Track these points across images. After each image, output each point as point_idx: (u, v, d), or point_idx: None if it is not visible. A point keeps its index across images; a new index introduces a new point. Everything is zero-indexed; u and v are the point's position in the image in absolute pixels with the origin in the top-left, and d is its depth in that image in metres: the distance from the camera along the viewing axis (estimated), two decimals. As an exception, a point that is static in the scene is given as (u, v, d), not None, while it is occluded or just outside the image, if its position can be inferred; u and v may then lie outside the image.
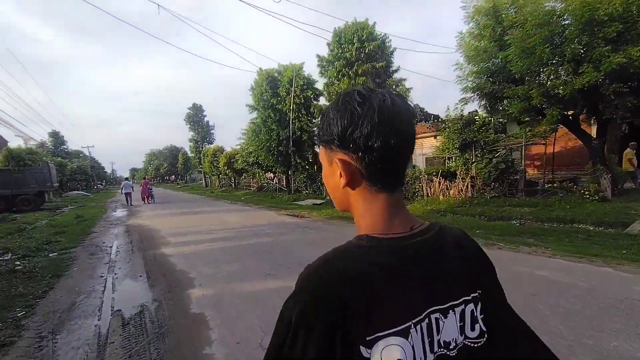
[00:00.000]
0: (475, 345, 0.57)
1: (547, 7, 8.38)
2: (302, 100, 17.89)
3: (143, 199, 19.68)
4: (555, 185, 10.28)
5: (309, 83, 18.15)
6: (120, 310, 3.58)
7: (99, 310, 3.59)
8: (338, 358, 0.46)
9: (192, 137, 40.98)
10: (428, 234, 0.58)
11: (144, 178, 22.28)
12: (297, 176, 20.27)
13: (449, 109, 12.33)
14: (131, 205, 18.18)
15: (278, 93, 18.20)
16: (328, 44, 13.96)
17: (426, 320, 0.52)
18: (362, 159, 0.55)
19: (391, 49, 13.37)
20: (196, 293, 3.97)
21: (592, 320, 2.80)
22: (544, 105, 9.20)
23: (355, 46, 12.69)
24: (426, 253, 0.56)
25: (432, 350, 0.52)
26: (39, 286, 4.34)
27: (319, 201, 15.92)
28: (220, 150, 33.56)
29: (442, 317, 0.54)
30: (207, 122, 41.65)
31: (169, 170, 71.17)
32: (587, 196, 8.77)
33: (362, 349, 0.47)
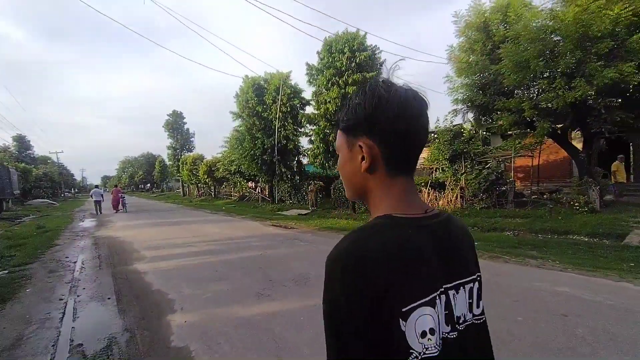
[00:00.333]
0: (479, 322, 0.63)
1: (538, 24, 8.52)
2: (289, 109, 17.51)
3: (114, 208, 18.46)
4: (545, 196, 10.32)
5: (296, 92, 17.84)
6: (82, 344, 2.90)
7: (53, 345, 2.90)
8: (381, 336, 0.48)
9: (170, 144, 39.46)
10: (440, 217, 0.63)
11: (115, 186, 20.96)
12: (282, 186, 19.67)
13: (438, 120, 12.32)
14: (101, 214, 17.11)
15: (264, 101, 17.74)
16: (318, 53, 13.73)
17: (444, 294, 0.56)
18: (386, 143, 0.58)
19: (381, 60, 13.31)
20: (177, 320, 3.34)
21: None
22: (534, 118, 9.28)
23: (346, 55, 12.51)
24: (442, 233, 0.60)
25: (447, 323, 0.55)
26: (-22, 313, 3.56)
27: (304, 211, 15.40)
28: (200, 158, 32.43)
29: (456, 293, 0.58)
30: (187, 129, 40.37)
31: (144, 179, 68.29)
32: (577, 208, 8.80)
33: (400, 322, 0.49)
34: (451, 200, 11.87)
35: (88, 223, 13.45)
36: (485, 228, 8.86)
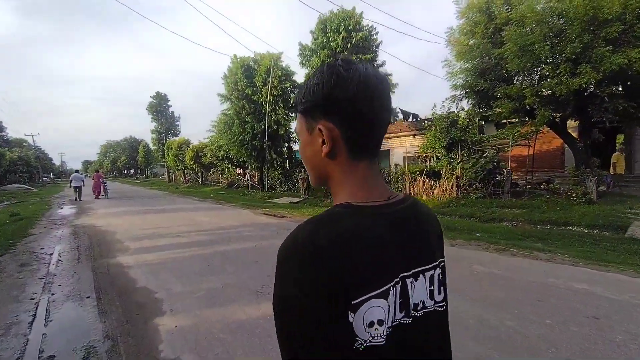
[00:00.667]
0: (441, 309, 0.62)
1: (543, 5, 8.17)
2: (280, 92, 16.82)
3: (95, 194, 17.65)
4: (542, 186, 10.24)
5: (288, 74, 17.12)
6: (54, 357, 2.49)
7: (18, 359, 2.47)
8: (332, 329, 0.47)
9: (154, 128, 37.93)
10: (404, 204, 0.61)
11: (97, 171, 20.05)
12: (272, 173, 19.16)
13: (435, 106, 11.99)
14: (80, 200, 16.33)
15: (254, 83, 16.95)
16: (312, 32, 13.08)
17: (400, 282, 0.54)
18: (347, 124, 0.56)
19: (378, 42, 12.77)
20: (167, 324, 2.95)
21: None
22: (534, 106, 9.06)
23: (341, 35, 11.94)
24: (403, 221, 0.58)
25: (400, 310, 0.54)
26: None
27: (295, 199, 15.06)
28: (187, 143, 31.33)
29: (414, 280, 0.57)
30: (172, 112, 38.84)
31: (127, 164, 66.13)
32: (574, 198, 8.74)
33: (349, 314, 0.47)
34: (446, 189, 11.71)
35: (67, 210, 12.70)
36: (483, 218, 8.71)
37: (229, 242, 6.18)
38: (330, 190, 0.62)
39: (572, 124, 11.26)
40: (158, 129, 37.76)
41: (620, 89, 7.86)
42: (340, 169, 0.59)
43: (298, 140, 0.66)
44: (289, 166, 19.11)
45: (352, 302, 0.47)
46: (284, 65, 17.17)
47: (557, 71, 7.85)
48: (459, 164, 11.38)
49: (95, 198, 17.44)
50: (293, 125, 17.88)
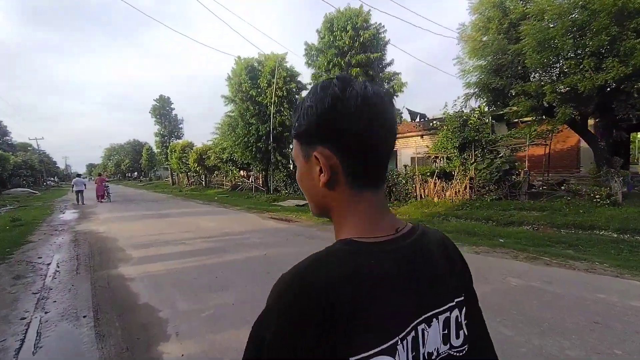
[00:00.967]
0: (459, 354, 0.53)
1: (564, -2, 7.75)
2: (285, 93, 16.50)
3: (98, 198, 17.52)
4: (562, 187, 9.79)
5: (293, 75, 16.80)
6: (40, 396, 2.13)
7: (-1, 400, 2.12)
8: None
9: (158, 131, 37.82)
10: (413, 236, 0.53)
11: (99, 174, 19.86)
12: (277, 175, 18.82)
13: (446, 105, 11.60)
14: (83, 204, 16.17)
15: (258, 84, 16.65)
16: (318, 31, 12.74)
17: (412, 333, 0.47)
18: (345, 150, 0.49)
19: (386, 40, 12.40)
20: (172, 351, 2.59)
21: None
22: (554, 104, 8.63)
23: (349, 34, 11.58)
24: (413, 257, 0.51)
25: None
26: None
27: (301, 202, 14.68)
28: (190, 145, 31.13)
29: (427, 327, 0.50)
30: (175, 115, 38.73)
31: (131, 167, 66.19)
32: (597, 200, 8.29)
33: None
34: (459, 191, 11.28)
35: (69, 215, 12.42)
36: (501, 222, 8.29)
37: (237, 250, 5.82)
38: (333, 223, 0.55)
39: (589, 122, 10.80)
40: (161, 132, 37.64)
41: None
42: (341, 200, 0.52)
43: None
44: (294, 168, 18.76)
45: (350, 359, 0.41)
46: (288, 66, 16.87)
47: (580, 66, 7.42)
48: (473, 165, 10.96)
49: (99, 201, 17.31)
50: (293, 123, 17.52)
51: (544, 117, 9.67)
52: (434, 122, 18.38)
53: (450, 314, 0.53)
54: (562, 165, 14.45)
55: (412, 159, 18.66)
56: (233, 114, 18.27)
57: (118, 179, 73.46)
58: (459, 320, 0.54)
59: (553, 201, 9.38)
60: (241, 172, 25.57)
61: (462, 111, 10.98)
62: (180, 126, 38.75)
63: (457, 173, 11.41)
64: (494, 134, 11.89)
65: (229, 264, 4.92)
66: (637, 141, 13.51)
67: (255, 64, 17.23)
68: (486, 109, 12.99)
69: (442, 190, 11.77)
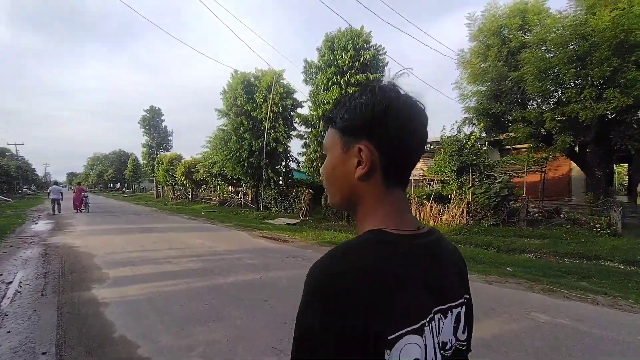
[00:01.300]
0: (463, 348, 0.58)
1: (564, 29, 7.92)
2: (280, 109, 16.33)
3: (75, 208, 16.69)
4: (562, 216, 9.69)
5: (289, 92, 16.72)
6: None
7: None
8: None
9: (146, 142, 36.87)
10: (433, 236, 0.58)
11: (79, 184, 19.00)
12: (268, 192, 18.30)
13: (444, 128, 11.59)
14: (59, 213, 15.39)
15: (254, 99, 16.45)
16: (318, 49, 12.74)
17: (433, 320, 0.51)
18: (388, 151, 0.54)
19: (385, 62, 12.49)
20: (152, 405, 2.06)
21: None
22: (553, 131, 8.65)
23: (349, 54, 11.58)
24: (434, 253, 0.56)
25: (434, 349, 0.51)
26: None
27: (293, 220, 14.19)
28: (178, 158, 30.35)
29: (443, 318, 0.54)
30: (165, 127, 37.98)
31: (114, 177, 64.10)
32: (598, 229, 8.18)
33: (385, 351, 0.44)
34: (455, 215, 11.08)
35: (42, 225, 11.50)
36: (502, 249, 8.04)
37: (229, 272, 5.27)
38: (357, 214, 0.58)
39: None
40: (149, 143, 36.72)
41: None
42: (372, 193, 0.55)
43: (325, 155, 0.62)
44: (285, 185, 18.32)
45: (388, 338, 0.44)
46: (285, 83, 16.81)
47: (581, 95, 7.48)
48: (470, 189, 10.83)
49: (76, 212, 16.41)
50: (293, 143, 17.31)
51: (541, 144, 9.69)
52: (428, 144, 18.56)
53: (461, 309, 0.58)
54: (553, 193, 14.55)
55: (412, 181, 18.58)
56: (226, 128, 17.90)
57: (99, 189, 70.84)
58: (466, 318, 0.59)
59: (552, 229, 9.24)
60: (230, 187, 24.90)
61: (460, 135, 10.95)
62: (169, 138, 37.98)
63: (454, 197, 11.25)
64: (489, 160, 11.88)
65: (221, 289, 4.38)
66: (616, 173, 13.77)
67: (252, 79, 17.10)
68: (481, 135, 13.10)
69: (439, 214, 11.56)
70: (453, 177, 11.20)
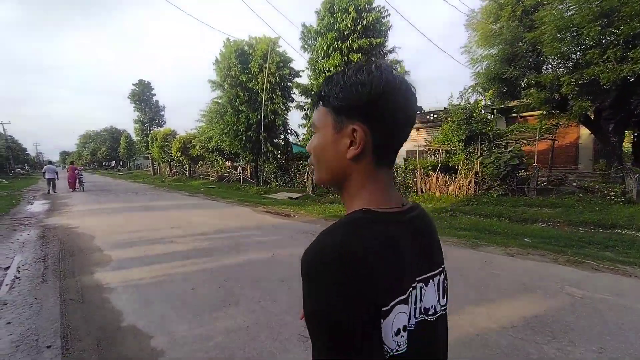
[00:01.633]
0: (444, 312, 0.63)
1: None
2: (277, 79, 15.54)
3: (70, 186, 16.48)
4: (575, 184, 9.47)
5: (285, 61, 15.82)
6: None
7: None
8: (368, 338, 0.46)
9: (137, 117, 35.65)
10: (416, 211, 0.62)
11: (71, 163, 18.57)
12: (267, 166, 17.90)
13: (452, 95, 11.07)
14: (54, 193, 15.17)
15: (249, 69, 15.59)
16: (317, 12, 11.84)
17: (415, 288, 0.55)
18: (381, 132, 0.55)
19: (388, 26, 11.66)
20: (175, 407, 1.83)
21: None
22: (569, 96, 8.21)
23: (351, 16, 10.75)
24: (417, 227, 0.59)
25: (414, 316, 0.55)
26: None
27: (295, 195, 13.98)
28: (173, 134, 29.53)
29: (424, 286, 0.58)
30: (157, 101, 36.57)
31: (108, 155, 63.06)
32: (612, 198, 8.00)
33: (381, 322, 0.47)
34: (463, 186, 10.85)
35: (38, 206, 11.15)
36: (513, 219, 7.87)
37: (238, 250, 5.03)
38: (344, 193, 0.60)
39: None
40: (141, 119, 35.56)
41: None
42: (362, 173, 0.57)
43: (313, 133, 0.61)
44: (284, 160, 17.88)
45: (383, 309, 0.47)
46: (281, 51, 15.88)
47: (605, 56, 6.98)
48: (478, 159, 10.52)
49: (71, 191, 16.17)
50: (291, 115, 16.70)
51: (554, 110, 9.27)
52: (431, 114, 17.97)
53: (440, 277, 0.63)
54: (558, 161, 14.32)
55: (408, 152, 18.24)
56: (221, 100, 17.12)
57: (94, 168, 69.90)
58: (445, 285, 0.64)
59: (563, 198, 9.07)
60: (227, 162, 24.43)
61: (469, 103, 10.46)
62: (161, 113, 36.75)
63: (461, 167, 10.96)
64: (497, 128, 11.48)
65: (232, 269, 4.14)
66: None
67: (246, 48, 16.12)
68: (489, 102, 12.59)
69: (445, 185, 11.32)
70: (461, 147, 10.84)
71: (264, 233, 6.29)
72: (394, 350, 0.48)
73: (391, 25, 11.94)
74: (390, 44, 12.25)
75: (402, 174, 12.39)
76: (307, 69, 13.49)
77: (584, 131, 13.22)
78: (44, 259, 4.77)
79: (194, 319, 2.84)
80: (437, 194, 11.38)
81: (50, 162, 17.52)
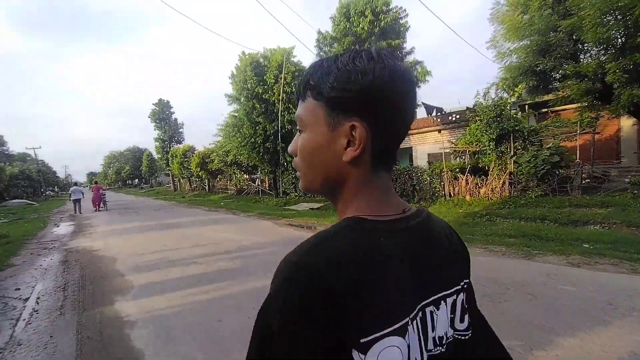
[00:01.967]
0: (464, 337, 0.53)
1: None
2: (293, 89, 15.35)
3: (94, 206, 16.96)
4: (627, 180, 8.60)
5: (301, 70, 15.66)
6: None
7: None
8: None
9: (158, 136, 36.68)
10: (419, 218, 0.52)
11: (95, 182, 19.08)
12: (286, 177, 17.67)
13: (478, 93, 10.45)
14: (80, 213, 15.53)
15: (265, 80, 15.52)
16: (332, 18, 11.60)
17: (420, 314, 0.46)
18: (382, 128, 0.47)
19: (407, 27, 11.25)
20: None
21: None
22: (615, 85, 7.46)
23: (368, 19, 10.44)
24: (420, 238, 0.50)
25: (426, 348, 0.46)
26: None
27: (315, 205, 13.60)
28: (192, 150, 30.03)
29: (436, 310, 0.48)
30: (176, 119, 37.56)
31: (131, 174, 65.11)
32: (674, 194, 7.13)
33: (355, 354, 0.39)
34: (496, 188, 10.12)
35: (63, 228, 11.26)
36: (560, 221, 7.13)
37: (264, 270, 4.64)
38: (337, 200, 0.52)
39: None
40: (162, 137, 36.52)
41: None
42: (359, 177, 0.49)
43: (299, 131, 0.52)
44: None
45: (361, 341, 0.39)
46: (295, 61, 15.77)
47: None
48: (512, 158, 9.79)
49: (95, 210, 16.69)
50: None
51: (594, 102, 8.49)
52: (454, 115, 17.25)
53: (457, 297, 0.52)
54: (599, 156, 13.26)
55: (430, 155, 17.52)
56: (238, 114, 17.15)
57: (119, 186, 72.38)
58: (464, 305, 0.53)
59: (612, 195, 8.21)
60: (244, 175, 24.43)
61: (500, 99, 9.82)
62: (180, 130, 37.64)
63: (493, 168, 10.25)
64: (529, 125, 10.72)
65: (262, 294, 3.73)
66: None
67: (261, 60, 16.11)
68: (515, 99, 11.84)
69: (476, 188, 10.62)
70: (491, 147, 10.15)
71: (291, 249, 5.86)
72: None
73: (409, 26, 11.53)
74: (408, 45, 11.82)
75: (428, 178, 11.77)
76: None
77: (626, 122, 12.21)
78: (64, 287, 4.54)
79: (224, 361, 2.44)
80: (468, 197, 10.67)
81: (75, 184, 18.10)
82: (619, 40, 7.30)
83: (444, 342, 0.48)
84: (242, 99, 16.35)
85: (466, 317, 0.53)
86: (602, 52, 7.78)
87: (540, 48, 8.39)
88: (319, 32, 12.00)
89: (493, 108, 9.75)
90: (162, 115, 36.40)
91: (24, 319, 3.51)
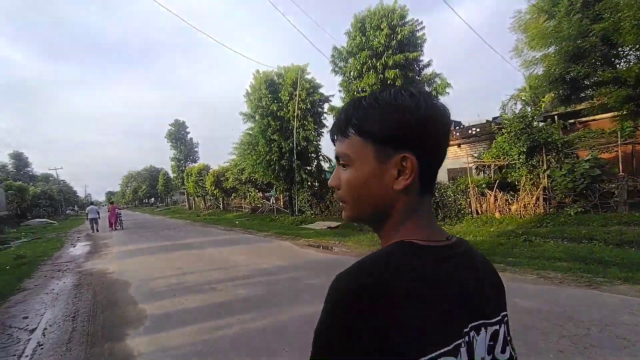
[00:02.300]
0: None
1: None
2: (308, 106, 15.29)
3: (110, 225, 17.00)
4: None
5: (315, 87, 15.64)
6: None
7: None
8: None
9: (174, 155, 37.36)
10: (462, 247, 0.54)
11: (111, 202, 19.26)
12: (301, 195, 17.32)
13: (503, 105, 9.98)
14: (97, 232, 15.77)
15: (279, 98, 15.52)
16: (347, 33, 11.51)
17: (466, 337, 0.47)
18: (426, 157, 0.50)
19: (424, 39, 11.03)
20: None
21: None
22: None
23: (384, 32, 10.27)
24: (465, 266, 0.51)
25: None
26: None
27: (333, 224, 13.11)
28: (206, 168, 30.25)
29: (476, 335, 0.49)
30: (191, 139, 38.30)
31: (148, 193, 66.32)
32: None
33: None
34: (529, 204, 9.44)
35: (79, 248, 11.11)
36: (611, 241, 6.43)
37: (290, 300, 4.18)
38: (384, 227, 0.53)
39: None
40: (177, 156, 37.17)
41: None
42: (408, 203, 0.51)
43: (343, 165, 0.53)
44: (318, 187, 17.24)
45: None
46: (309, 78, 15.77)
47: None
48: (545, 172, 9.16)
49: (111, 229, 16.73)
50: (324, 142, 16.34)
51: (638, 109, 7.89)
52: (474, 128, 16.72)
53: (499, 327, 0.53)
54: (638, 168, 12.40)
55: (450, 170, 16.92)
56: (253, 131, 17.15)
57: (135, 205, 73.67)
58: (506, 337, 0.54)
59: (665, 212, 7.44)
60: (259, 193, 24.24)
61: (528, 110, 9.32)
62: (195, 149, 38.26)
63: (524, 182, 9.61)
64: (561, 136, 10.11)
65: (289, 330, 3.27)
66: None
67: (275, 78, 16.20)
68: (540, 110, 11.29)
69: (506, 204, 9.96)
70: (522, 160, 9.55)
71: (316, 273, 5.40)
72: None
73: (426, 38, 11.30)
74: (425, 58, 11.56)
75: (452, 195, 11.18)
76: (340, 91, 13.04)
77: (665, 132, 11.41)
78: (74, 316, 4.19)
79: None
80: (497, 215, 10.01)
81: (92, 203, 18.34)
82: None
83: None
84: (257, 116, 16.37)
85: (508, 348, 0.53)
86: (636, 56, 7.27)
87: (572, 54, 7.94)
88: (334, 48, 11.91)
89: (521, 119, 9.24)
90: (178, 135, 37.16)
91: (27, 355, 3.15)
